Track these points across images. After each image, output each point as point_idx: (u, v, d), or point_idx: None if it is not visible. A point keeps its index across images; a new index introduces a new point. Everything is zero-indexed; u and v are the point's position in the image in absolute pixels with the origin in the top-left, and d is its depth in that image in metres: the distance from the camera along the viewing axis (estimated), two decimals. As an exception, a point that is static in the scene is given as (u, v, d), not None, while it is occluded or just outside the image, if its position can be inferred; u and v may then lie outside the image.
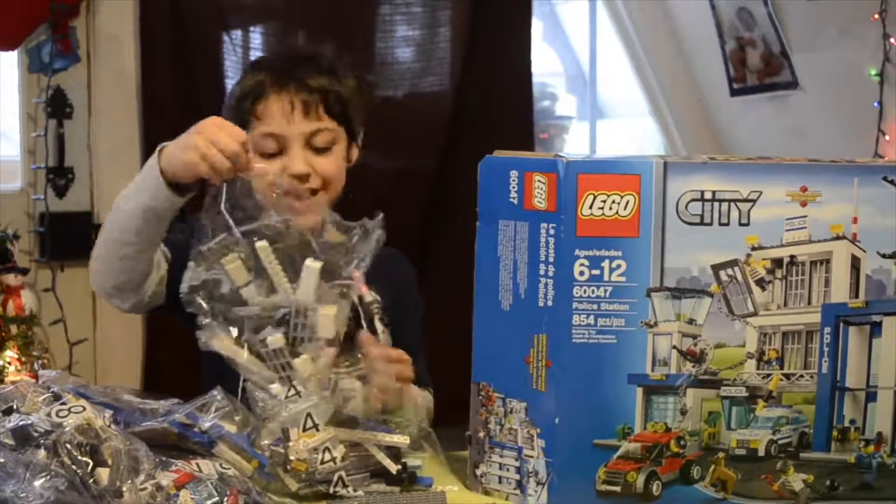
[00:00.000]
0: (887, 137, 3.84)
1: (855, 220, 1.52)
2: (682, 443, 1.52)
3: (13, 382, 1.53)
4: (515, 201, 1.52)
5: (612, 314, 1.49)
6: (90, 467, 1.33)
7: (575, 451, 1.51)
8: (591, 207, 1.47)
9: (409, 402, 1.73)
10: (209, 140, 1.68)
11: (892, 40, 3.78)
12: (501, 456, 1.57)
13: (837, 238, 1.52)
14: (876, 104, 3.85)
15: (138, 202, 1.73)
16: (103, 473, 1.33)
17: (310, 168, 1.89)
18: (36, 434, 1.34)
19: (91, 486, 1.32)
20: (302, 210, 1.90)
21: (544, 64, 4.68)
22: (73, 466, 1.31)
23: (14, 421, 1.36)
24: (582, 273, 1.48)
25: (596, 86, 4.92)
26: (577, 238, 1.48)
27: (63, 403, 1.39)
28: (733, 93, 4.42)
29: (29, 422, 1.36)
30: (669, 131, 4.73)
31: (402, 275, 2.07)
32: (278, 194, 1.89)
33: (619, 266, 1.48)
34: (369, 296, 1.92)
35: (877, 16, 3.77)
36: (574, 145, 4.94)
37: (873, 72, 3.83)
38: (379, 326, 1.93)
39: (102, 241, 1.78)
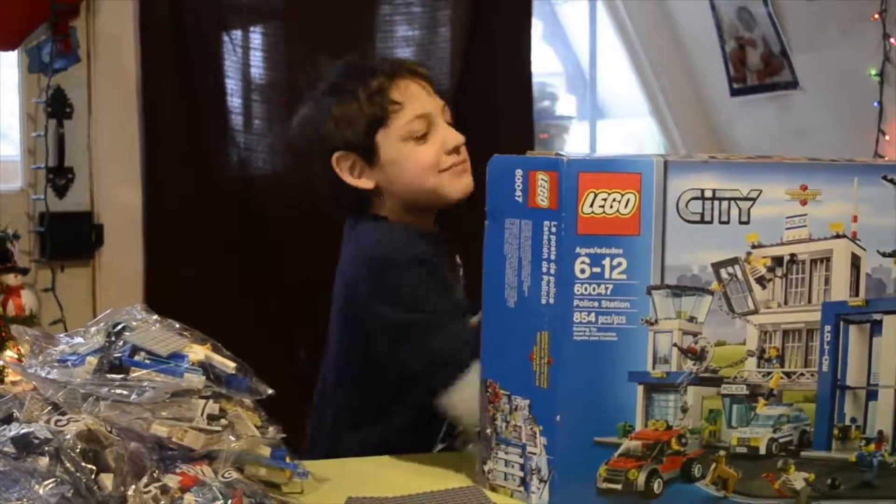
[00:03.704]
0: (887, 137, 3.84)
1: (855, 219, 1.52)
2: (683, 441, 1.52)
3: (13, 382, 1.53)
4: (520, 199, 1.52)
5: (613, 312, 1.49)
6: (94, 473, 1.33)
7: (576, 448, 1.51)
8: (591, 205, 1.48)
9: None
10: None
11: (892, 40, 3.78)
12: (507, 453, 1.57)
13: (837, 236, 1.52)
14: (876, 104, 3.84)
15: None
16: (107, 479, 1.33)
17: (462, 136, 1.95)
18: (36, 441, 1.34)
19: (96, 491, 1.32)
20: (464, 176, 1.95)
21: (544, 64, 4.68)
22: (77, 473, 1.31)
23: (14, 429, 1.37)
24: (583, 271, 1.48)
25: (596, 86, 4.92)
26: (577, 236, 1.48)
27: (62, 413, 1.39)
28: (733, 93, 4.42)
29: (29, 430, 1.36)
30: (669, 131, 4.73)
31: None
32: (441, 174, 1.94)
33: (619, 264, 1.48)
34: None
35: (877, 16, 3.76)
36: (574, 145, 4.94)
37: (873, 72, 3.83)
38: None
39: None
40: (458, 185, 1.95)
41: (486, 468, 1.61)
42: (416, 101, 1.92)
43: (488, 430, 1.60)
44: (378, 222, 1.97)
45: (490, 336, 1.60)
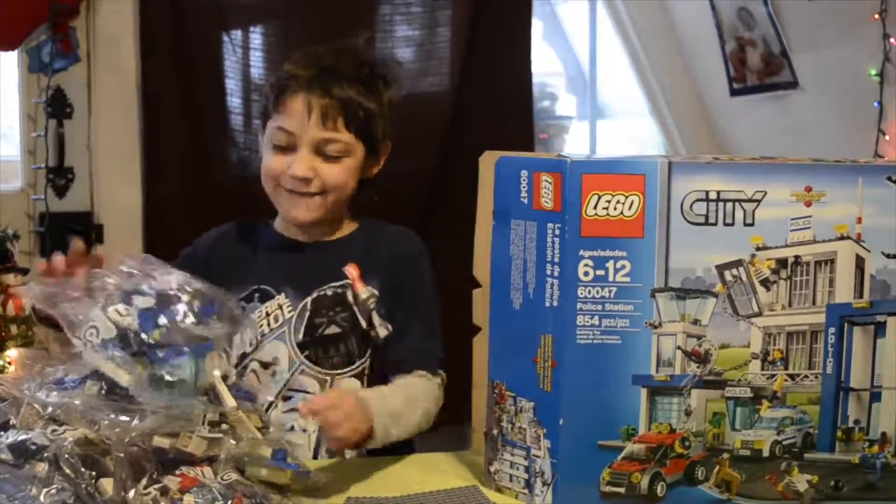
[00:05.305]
0: (887, 137, 3.84)
1: (859, 220, 1.52)
2: (686, 444, 1.51)
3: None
4: (525, 201, 1.52)
5: (617, 315, 1.48)
6: (94, 479, 1.32)
7: (579, 452, 1.51)
8: (595, 208, 1.47)
9: (379, 427, 1.73)
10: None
11: (892, 40, 3.78)
12: (512, 454, 1.58)
13: (842, 238, 1.52)
14: (876, 104, 3.84)
15: None
16: (107, 484, 1.33)
17: (312, 173, 1.92)
18: (34, 448, 1.34)
19: (96, 497, 1.31)
20: (299, 205, 1.92)
21: (544, 64, 4.67)
22: (77, 479, 1.31)
23: (11, 436, 1.36)
24: (586, 273, 1.48)
25: (596, 86, 4.91)
26: (581, 238, 1.48)
27: (59, 424, 1.38)
28: (733, 93, 4.42)
29: (26, 437, 1.35)
30: (669, 131, 4.72)
31: (403, 252, 2.04)
32: (280, 187, 1.94)
33: (623, 266, 1.48)
34: (365, 292, 1.93)
35: (877, 16, 3.76)
36: (574, 145, 4.93)
37: (873, 72, 3.82)
38: (377, 321, 1.93)
39: None
40: (290, 210, 1.95)
41: (492, 469, 1.62)
42: (292, 118, 1.90)
43: (494, 431, 1.61)
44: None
45: (497, 337, 1.61)
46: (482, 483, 1.64)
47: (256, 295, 1.94)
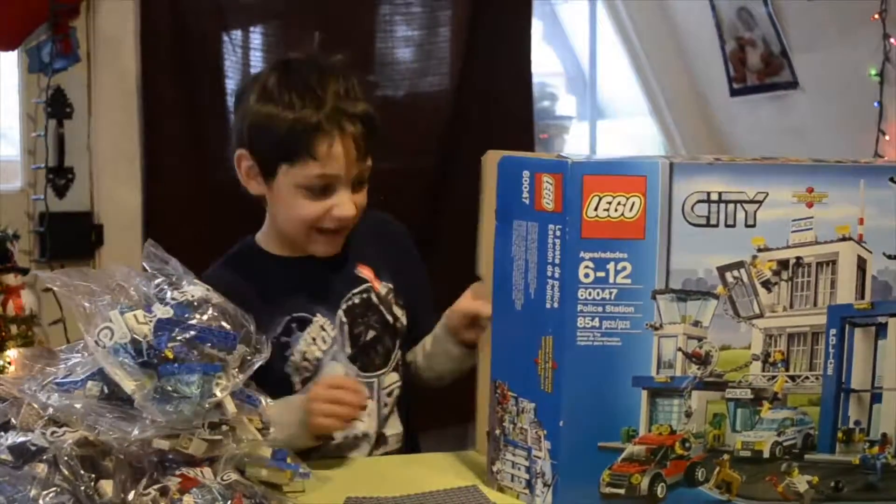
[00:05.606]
0: (887, 137, 3.84)
1: (861, 222, 1.52)
2: (686, 445, 1.52)
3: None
4: (527, 201, 1.52)
5: (618, 316, 1.48)
6: (93, 480, 1.32)
7: (580, 453, 1.51)
8: (596, 209, 1.47)
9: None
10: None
11: (892, 40, 3.78)
12: (514, 454, 1.58)
13: (843, 239, 1.52)
14: (876, 104, 3.84)
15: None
16: (107, 485, 1.33)
17: (355, 208, 1.88)
18: (33, 449, 1.34)
19: (96, 499, 1.31)
20: (332, 242, 1.90)
21: (544, 64, 4.67)
22: (76, 481, 1.31)
23: (11, 438, 1.36)
24: (587, 275, 1.48)
25: (596, 86, 4.91)
26: (581, 240, 1.47)
27: (59, 425, 1.38)
28: (733, 93, 4.41)
29: (26, 438, 1.35)
30: (669, 131, 4.72)
31: (396, 236, 2.07)
32: (313, 229, 1.87)
33: (624, 268, 1.48)
34: (384, 288, 1.94)
35: (877, 16, 3.76)
36: (574, 145, 4.93)
37: (873, 72, 3.82)
38: (398, 311, 1.95)
39: None
40: (326, 247, 1.91)
41: (494, 468, 1.62)
42: (333, 162, 1.82)
43: (497, 431, 1.61)
44: (244, 239, 1.99)
45: (499, 337, 1.61)
46: (485, 483, 1.64)
47: (294, 325, 1.90)
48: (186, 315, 1.44)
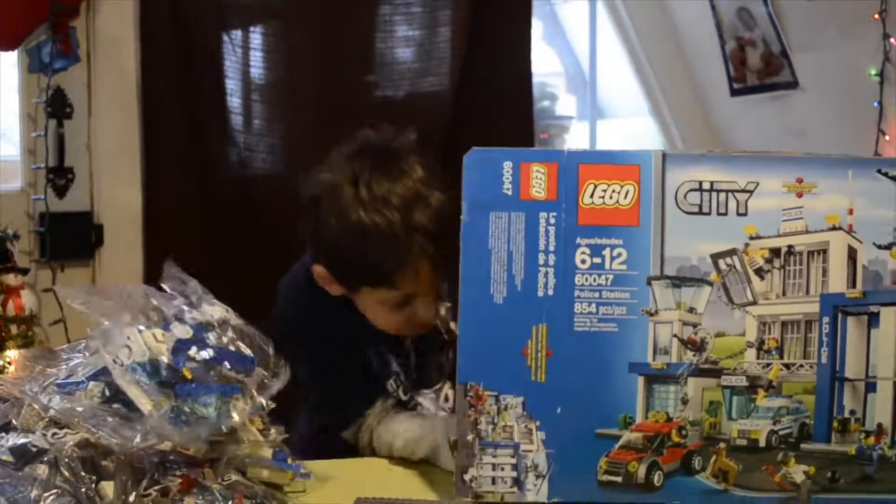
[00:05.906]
0: (887, 137, 3.84)
1: (851, 212, 1.52)
2: (683, 433, 1.52)
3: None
4: (510, 192, 1.51)
5: (614, 302, 1.49)
6: (94, 482, 1.32)
7: (576, 441, 1.51)
8: (591, 196, 1.48)
9: None
10: None
11: (892, 40, 3.78)
12: (495, 456, 1.54)
13: (834, 229, 1.52)
14: (876, 104, 3.84)
15: None
16: (108, 487, 1.33)
17: (436, 309, 1.89)
18: (34, 450, 1.34)
19: (97, 501, 1.31)
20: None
21: (544, 64, 4.68)
22: (77, 483, 1.31)
23: (12, 439, 1.36)
24: (583, 261, 1.48)
25: (596, 86, 4.92)
26: (578, 226, 1.48)
27: (60, 426, 1.38)
28: (733, 93, 4.42)
29: (27, 440, 1.35)
30: (669, 131, 4.73)
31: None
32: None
33: (619, 254, 1.49)
34: (443, 307, 1.93)
35: (877, 16, 3.76)
36: (574, 145, 4.94)
37: (873, 72, 3.83)
38: (453, 326, 1.95)
39: None
40: (406, 332, 1.91)
41: (466, 477, 1.54)
42: (414, 286, 1.81)
43: (469, 437, 1.54)
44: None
45: (471, 337, 1.54)
46: (453, 495, 1.56)
47: (374, 361, 1.91)
48: (205, 336, 1.44)
